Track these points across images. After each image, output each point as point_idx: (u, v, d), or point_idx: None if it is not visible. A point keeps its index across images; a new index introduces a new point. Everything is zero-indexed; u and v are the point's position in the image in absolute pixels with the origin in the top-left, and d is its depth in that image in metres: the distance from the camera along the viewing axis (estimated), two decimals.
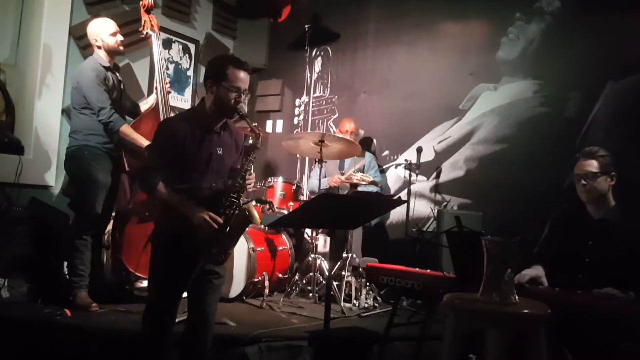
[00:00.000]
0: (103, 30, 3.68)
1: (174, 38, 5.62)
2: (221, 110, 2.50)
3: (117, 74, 3.81)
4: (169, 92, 3.97)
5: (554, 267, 2.79)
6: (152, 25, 3.97)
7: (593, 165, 2.79)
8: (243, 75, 2.49)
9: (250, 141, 2.83)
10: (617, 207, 2.82)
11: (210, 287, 2.54)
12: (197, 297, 2.54)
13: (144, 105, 4.03)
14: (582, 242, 2.80)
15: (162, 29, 4.16)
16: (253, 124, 2.58)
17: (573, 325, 2.25)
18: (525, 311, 1.93)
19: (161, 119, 3.79)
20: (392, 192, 5.21)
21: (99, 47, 3.68)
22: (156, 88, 3.92)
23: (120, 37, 3.73)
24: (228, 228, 2.43)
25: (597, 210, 2.82)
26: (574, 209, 2.93)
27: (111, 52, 3.71)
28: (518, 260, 2.02)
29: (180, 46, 5.72)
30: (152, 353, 2.48)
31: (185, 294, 2.56)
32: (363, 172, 4.69)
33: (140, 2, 4.00)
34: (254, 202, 2.63)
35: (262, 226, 4.49)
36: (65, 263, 3.84)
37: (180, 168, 2.44)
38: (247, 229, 2.55)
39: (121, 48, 3.75)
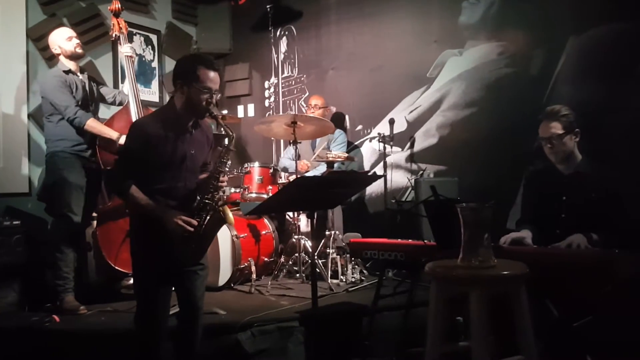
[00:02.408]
0: (59, 38, 3.77)
1: (134, 31, 5.51)
2: (193, 111, 2.49)
3: (82, 76, 3.83)
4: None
5: (537, 226, 2.86)
6: (120, 28, 4.04)
7: (557, 127, 2.84)
8: (213, 75, 2.47)
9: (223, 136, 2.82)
10: (585, 159, 2.89)
11: (197, 279, 2.57)
12: (185, 291, 2.57)
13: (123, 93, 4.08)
14: (557, 199, 2.87)
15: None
16: (225, 125, 2.59)
17: (553, 279, 2.32)
18: (504, 273, 1.98)
19: (133, 116, 3.81)
20: (368, 165, 5.24)
21: (59, 54, 3.77)
22: (124, 85, 3.96)
23: (76, 41, 3.79)
24: (202, 229, 2.46)
25: (566, 167, 2.89)
26: (545, 167, 3.00)
27: (71, 57, 3.77)
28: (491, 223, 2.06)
29: (142, 38, 5.63)
30: (146, 349, 2.51)
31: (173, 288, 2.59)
32: (329, 149, 4.71)
33: (109, 8, 4.11)
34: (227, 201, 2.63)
35: (241, 213, 4.51)
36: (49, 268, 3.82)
37: (154, 168, 2.44)
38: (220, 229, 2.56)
39: (79, 51, 3.80)
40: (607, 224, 2.65)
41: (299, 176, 4.18)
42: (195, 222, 2.42)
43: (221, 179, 2.51)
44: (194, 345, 2.58)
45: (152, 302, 2.49)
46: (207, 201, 2.48)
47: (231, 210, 4.53)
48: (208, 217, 2.47)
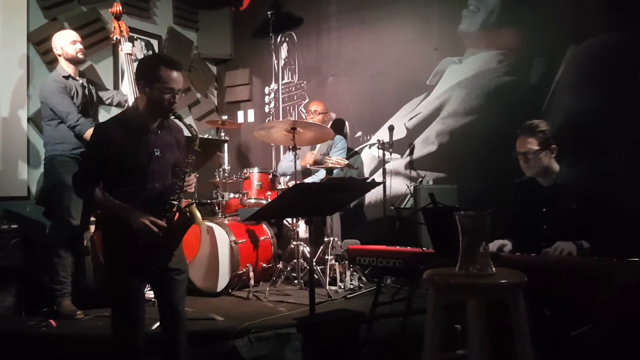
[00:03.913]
0: (63, 40, 3.75)
1: (135, 35, 5.52)
2: (156, 111, 2.47)
3: (82, 81, 3.83)
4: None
5: (520, 238, 2.87)
6: (120, 31, 4.02)
7: (533, 142, 2.85)
8: (176, 75, 2.45)
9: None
10: (563, 169, 2.90)
11: (174, 285, 2.53)
12: (163, 297, 2.55)
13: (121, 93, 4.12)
14: (537, 211, 2.89)
15: None
16: (188, 125, 2.57)
17: (551, 287, 2.32)
18: (503, 281, 1.98)
19: None
20: (368, 172, 5.24)
21: (60, 56, 3.75)
22: (123, 85, 3.99)
23: (79, 46, 3.78)
24: (170, 230, 2.42)
25: (544, 180, 2.92)
26: (527, 180, 3.01)
27: (71, 61, 3.76)
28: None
29: (143, 43, 5.64)
30: (124, 355, 2.48)
31: (153, 296, 2.58)
32: (328, 155, 4.72)
33: (110, 10, 4.08)
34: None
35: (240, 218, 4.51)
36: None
37: (119, 171, 2.42)
38: (189, 229, 2.54)
39: (80, 56, 3.79)
40: (598, 232, 2.66)
41: (298, 181, 4.18)
42: (162, 223, 2.39)
43: (187, 178, 2.49)
44: (179, 351, 2.54)
45: (126, 303, 2.45)
46: (173, 202, 2.45)
47: (230, 217, 4.59)
48: (175, 219, 2.45)
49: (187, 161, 2.50)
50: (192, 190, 2.55)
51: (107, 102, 4.07)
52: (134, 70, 3.86)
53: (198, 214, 2.45)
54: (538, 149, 2.84)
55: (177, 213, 2.46)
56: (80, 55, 3.77)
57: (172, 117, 2.50)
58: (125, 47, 3.95)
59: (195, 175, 2.62)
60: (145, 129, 2.48)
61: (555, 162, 2.90)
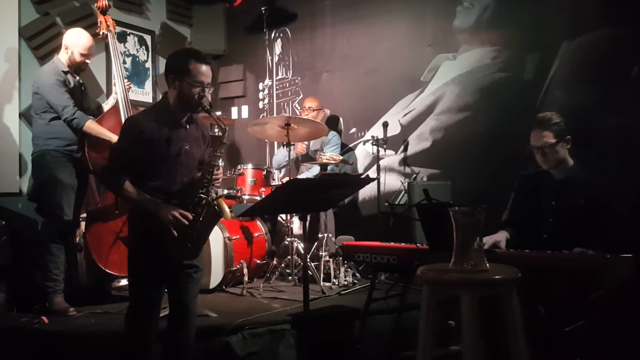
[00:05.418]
0: (78, 44, 3.69)
1: (128, 31, 5.49)
2: (186, 105, 2.48)
3: (78, 77, 3.81)
4: (129, 89, 4.02)
5: (520, 229, 2.87)
6: (107, 26, 4.01)
7: (549, 136, 2.83)
8: (205, 69, 2.47)
9: (217, 132, 2.81)
10: (576, 165, 2.89)
11: (190, 281, 2.55)
12: (177, 292, 2.54)
13: (106, 105, 4.05)
14: (546, 204, 2.88)
15: (116, 22, 4.18)
16: (217, 117, 2.58)
17: (545, 283, 2.32)
18: (497, 277, 1.98)
19: (122, 116, 3.78)
20: (362, 168, 5.24)
21: (67, 49, 3.69)
22: (114, 84, 3.96)
23: (88, 61, 3.76)
24: (199, 223, 2.43)
25: (558, 173, 2.90)
26: (537, 172, 3.00)
27: (71, 66, 3.73)
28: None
29: (136, 38, 5.60)
30: (135, 351, 2.48)
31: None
32: (322, 151, 4.72)
33: (95, 5, 4.06)
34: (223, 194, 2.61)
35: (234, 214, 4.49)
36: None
37: (149, 165, 2.43)
38: (217, 223, 2.54)
39: (82, 67, 3.78)
40: (596, 232, 2.66)
41: (292, 176, 4.17)
42: (190, 216, 2.41)
43: (215, 172, 2.50)
44: (185, 348, 2.55)
45: (145, 298, 2.46)
46: (202, 195, 2.46)
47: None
48: (204, 212, 2.45)
49: (216, 154, 2.52)
50: (219, 184, 2.56)
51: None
52: (127, 102, 3.87)
53: (226, 207, 2.48)
54: (555, 142, 2.82)
55: (205, 207, 2.46)
56: (82, 67, 3.77)
57: (202, 110, 2.51)
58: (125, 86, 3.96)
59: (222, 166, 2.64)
60: (175, 123, 2.49)
61: (569, 155, 2.89)
